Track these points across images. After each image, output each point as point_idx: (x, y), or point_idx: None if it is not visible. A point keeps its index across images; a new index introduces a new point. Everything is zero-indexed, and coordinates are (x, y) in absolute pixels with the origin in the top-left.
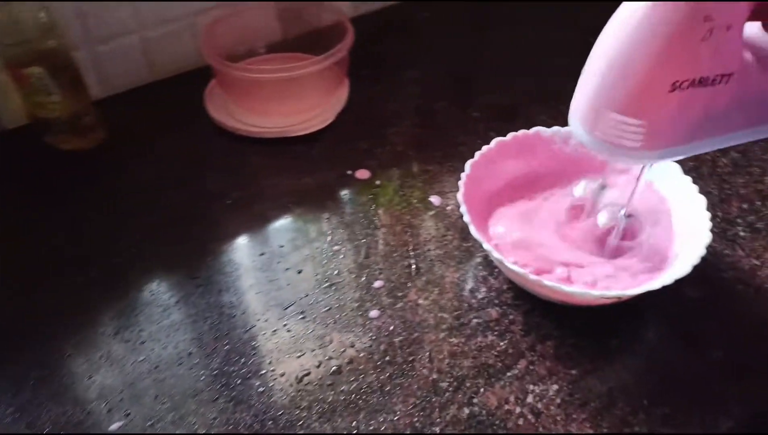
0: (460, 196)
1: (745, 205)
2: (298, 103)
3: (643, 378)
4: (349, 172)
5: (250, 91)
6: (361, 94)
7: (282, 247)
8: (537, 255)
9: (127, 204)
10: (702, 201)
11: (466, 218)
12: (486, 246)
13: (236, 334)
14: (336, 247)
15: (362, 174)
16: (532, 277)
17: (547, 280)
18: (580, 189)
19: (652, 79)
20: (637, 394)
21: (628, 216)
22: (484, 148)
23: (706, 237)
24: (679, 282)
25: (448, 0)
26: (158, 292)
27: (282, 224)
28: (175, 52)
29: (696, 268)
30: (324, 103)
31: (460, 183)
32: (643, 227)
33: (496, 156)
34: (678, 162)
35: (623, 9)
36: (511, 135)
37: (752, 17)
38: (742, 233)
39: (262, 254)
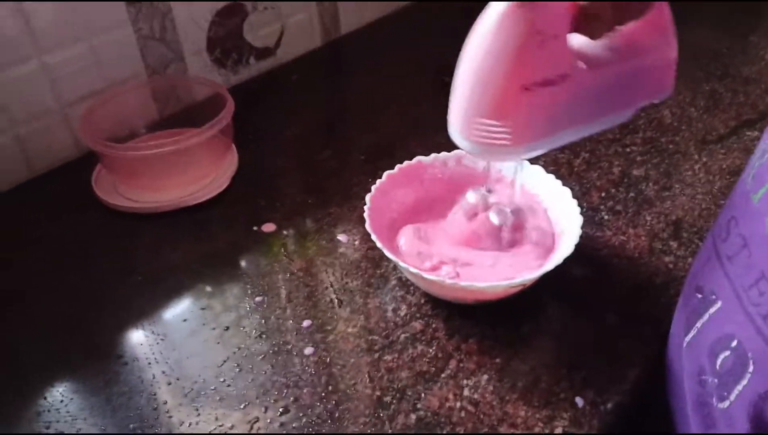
0: (368, 226)
1: (603, 194)
2: (189, 174)
3: (557, 351)
4: (255, 228)
5: (139, 168)
6: (250, 157)
7: (203, 309)
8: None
9: (17, 307)
10: (568, 192)
11: (379, 244)
12: (402, 264)
13: (175, 400)
14: (258, 299)
15: (268, 227)
16: (449, 281)
17: (463, 282)
18: (471, 196)
19: (506, 85)
20: (556, 366)
21: (514, 211)
22: (378, 181)
23: (579, 219)
24: (566, 265)
25: (315, 59)
26: (84, 375)
27: (199, 288)
28: (51, 145)
29: (577, 250)
30: (215, 171)
31: (366, 215)
32: (527, 218)
33: (389, 187)
34: (542, 167)
35: (474, 33)
36: (397, 167)
37: (573, 29)
38: (606, 217)
39: (184, 320)
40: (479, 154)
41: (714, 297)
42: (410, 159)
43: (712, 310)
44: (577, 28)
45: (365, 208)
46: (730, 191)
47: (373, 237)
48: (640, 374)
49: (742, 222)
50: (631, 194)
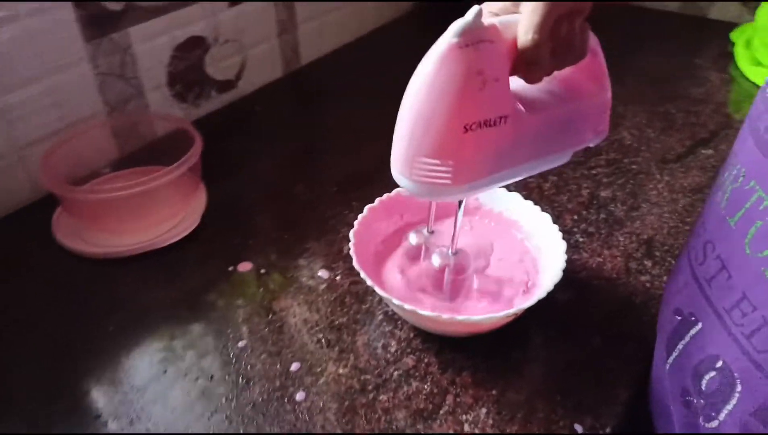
0: (355, 263)
1: (575, 217)
2: (156, 215)
3: (549, 378)
4: (231, 267)
5: (104, 211)
6: (220, 193)
7: (183, 359)
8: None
9: None
10: (548, 217)
11: (369, 282)
12: (395, 301)
13: None
14: (241, 343)
15: (244, 266)
16: (445, 316)
17: (459, 316)
18: (413, 238)
19: (448, 125)
20: (550, 394)
21: (455, 253)
22: (360, 216)
23: (563, 244)
24: (549, 291)
25: (277, 89)
26: None
27: (177, 334)
28: (6, 189)
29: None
30: (184, 210)
31: (351, 252)
32: (469, 261)
33: (371, 220)
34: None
35: (417, 73)
36: (378, 200)
37: (512, 72)
38: (581, 239)
39: (164, 372)
40: (420, 194)
41: (694, 319)
42: (385, 188)
43: (692, 331)
44: (516, 72)
45: (350, 244)
46: (694, 209)
47: (363, 275)
48: (629, 394)
49: (720, 245)
50: (602, 216)
